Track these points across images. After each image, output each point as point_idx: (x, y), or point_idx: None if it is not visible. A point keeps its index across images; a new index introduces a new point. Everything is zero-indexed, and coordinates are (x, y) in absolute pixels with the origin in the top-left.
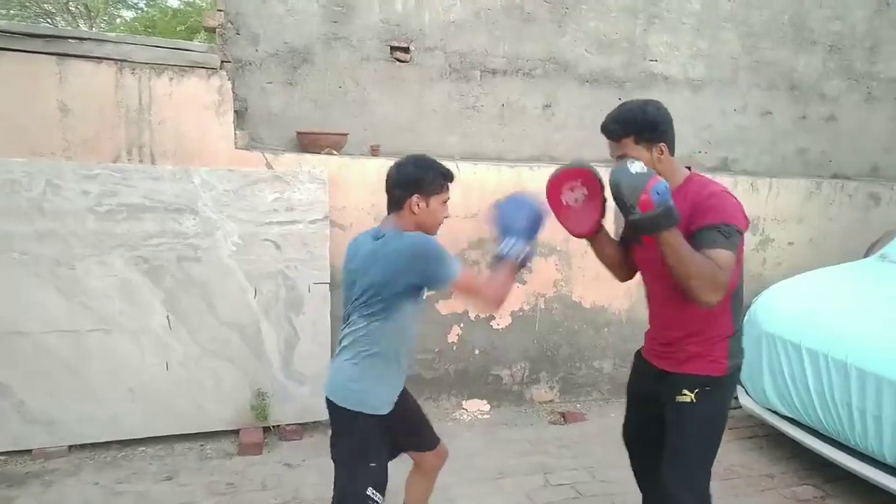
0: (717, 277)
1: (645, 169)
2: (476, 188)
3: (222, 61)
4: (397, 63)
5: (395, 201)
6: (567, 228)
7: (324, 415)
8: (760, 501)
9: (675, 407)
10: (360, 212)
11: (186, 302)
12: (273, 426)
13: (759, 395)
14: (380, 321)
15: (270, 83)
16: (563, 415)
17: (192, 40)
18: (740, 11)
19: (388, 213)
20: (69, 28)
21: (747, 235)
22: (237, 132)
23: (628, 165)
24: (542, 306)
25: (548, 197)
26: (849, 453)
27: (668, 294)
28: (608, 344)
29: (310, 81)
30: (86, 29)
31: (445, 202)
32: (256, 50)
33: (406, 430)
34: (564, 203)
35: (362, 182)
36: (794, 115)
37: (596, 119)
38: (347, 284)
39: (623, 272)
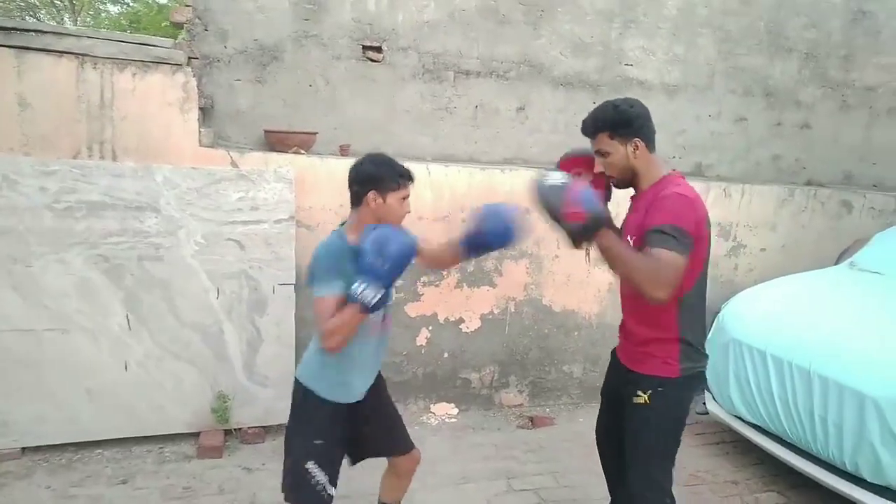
0: (660, 274)
1: (561, 181)
2: (447, 190)
3: (189, 57)
4: (369, 62)
5: (355, 197)
6: None
7: (286, 417)
8: None
9: (632, 408)
10: (327, 212)
11: (147, 302)
12: (234, 429)
13: (726, 402)
14: None
15: (239, 81)
16: (531, 419)
17: (176, 37)
18: (717, 17)
19: (351, 209)
20: (28, 21)
21: (719, 240)
22: (202, 130)
23: (543, 181)
24: (513, 310)
25: None
26: (811, 461)
27: (632, 291)
28: (578, 348)
29: (279, 80)
30: (70, 24)
31: (405, 199)
32: (225, 47)
33: (381, 433)
34: None
35: (330, 182)
36: (769, 121)
37: (570, 122)
38: None
39: None
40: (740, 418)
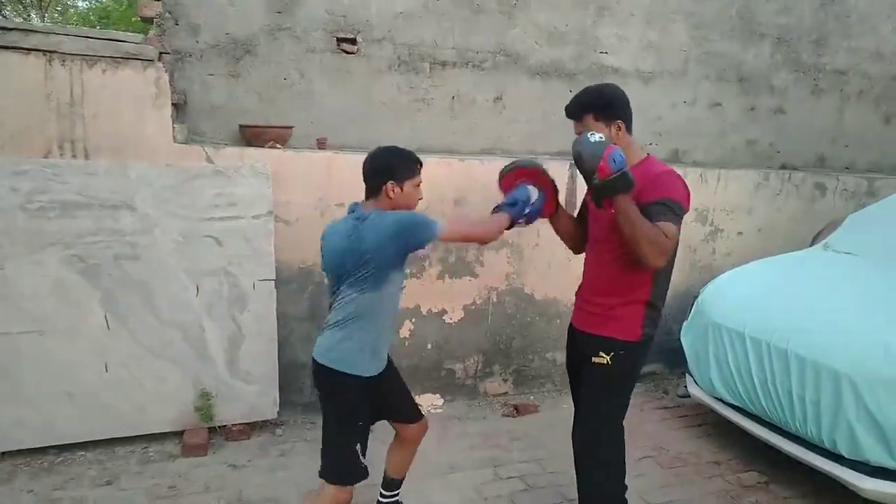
0: (663, 243)
1: (603, 138)
2: (426, 181)
3: (161, 52)
4: (344, 55)
5: (373, 189)
6: None
7: (271, 413)
8: (707, 488)
9: (590, 367)
10: (305, 206)
11: (125, 301)
12: (219, 426)
13: (707, 384)
14: (370, 291)
15: (212, 75)
16: (515, 407)
17: (146, 32)
18: (689, 4)
19: (367, 199)
20: None
21: (697, 225)
22: (176, 126)
23: (588, 136)
24: (495, 299)
25: (503, 192)
26: (790, 439)
27: (605, 258)
28: (560, 335)
29: (253, 73)
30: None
31: (418, 185)
32: (197, 41)
33: (392, 400)
34: None
35: (308, 176)
36: (743, 106)
37: (547, 111)
38: (329, 264)
39: (576, 243)
40: (721, 400)
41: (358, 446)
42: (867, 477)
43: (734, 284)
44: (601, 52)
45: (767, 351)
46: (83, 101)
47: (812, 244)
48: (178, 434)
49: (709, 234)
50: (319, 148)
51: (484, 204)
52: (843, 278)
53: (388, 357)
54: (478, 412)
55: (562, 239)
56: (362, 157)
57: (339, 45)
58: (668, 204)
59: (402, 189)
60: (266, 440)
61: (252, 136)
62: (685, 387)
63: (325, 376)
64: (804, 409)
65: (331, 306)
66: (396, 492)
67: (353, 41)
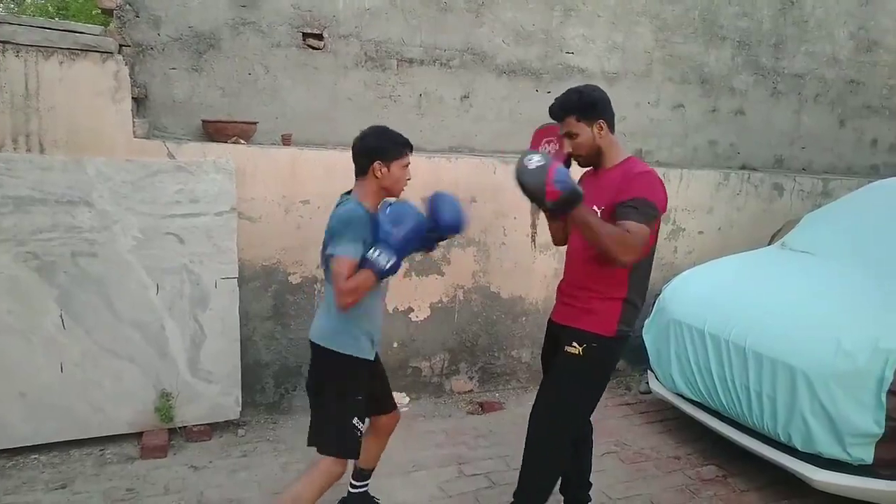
0: (627, 240)
1: (542, 161)
2: None
3: (121, 45)
4: (310, 50)
5: (361, 168)
6: None
7: (233, 413)
8: (667, 482)
9: (562, 356)
10: (270, 203)
11: (82, 299)
12: (179, 427)
13: (668, 381)
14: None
15: (174, 69)
16: (481, 405)
17: (106, 24)
18: (654, 6)
19: (356, 179)
20: None
21: (661, 224)
22: (136, 120)
23: (525, 162)
24: (461, 297)
25: (532, 146)
26: (747, 433)
27: (582, 255)
28: (526, 333)
29: (217, 68)
30: None
31: (406, 166)
32: (158, 34)
33: (380, 391)
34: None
35: (273, 172)
36: (705, 108)
37: (514, 110)
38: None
39: (560, 235)
40: (682, 396)
41: (356, 419)
42: (819, 469)
43: (694, 282)
44: (567, 53)
45: (726, 347)
46: (39, 93)
47: (770, 243)
48: (137, 436)
49: (670, 233)
50: (284, 144)
51: None
52: (799, 276)
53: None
54: (443, 410)
55: (549, 226)
56: (328, 154)
57: (304, 40)
58: (637, 204)
59: (388, 169)
60: (228, 441)
61: (215, 132)
62: (647, 383)
63: (328, 358)
64: (761, 404)
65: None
66: (366, 482)
67: (319, 37)
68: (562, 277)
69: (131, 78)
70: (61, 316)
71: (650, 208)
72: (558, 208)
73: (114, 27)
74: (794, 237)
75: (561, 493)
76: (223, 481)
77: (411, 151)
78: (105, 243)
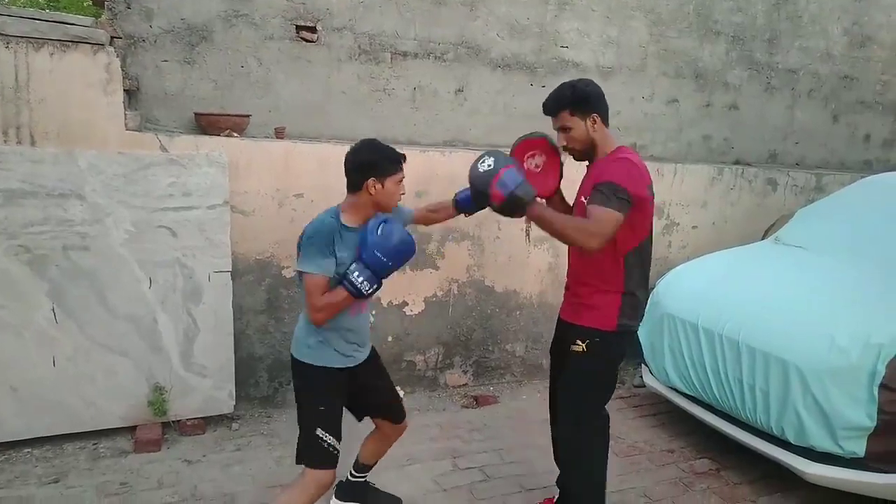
0: (587, 227)
1: (492, 165)
2: None
3: (112, 37)
4: (304, 43)
5: (353, 184)
6: None
7: (227, 407)
8: (661, 475)
9: (570, 355)
10: (263, 197)
11: (74, 293)
12: (173, 421)
13: (661, 375)
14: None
15: (166, 61)
16: (475, 398)
17: (98, 16)
18: (648, 0)
19: (348, 192)
20: None
21: (654, 220)
22: (128, 113)
23: (478, 165)
24: (456, 291)
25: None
26: (741, 427)
27: (578, 250)
28: (520, 327)
29: (209, 60)
30: None
31: (400, 181)
32: (150, 26)
33: (379, 400)
34: (527, 169)
35: (266, 166)
36: (699, 102)
37: (508, 104)
38: None
39: None
40: (675, 389)
41: (320, 430)
42: (812, 462)
43: (688, 277)
44: (562, 47)
45: (720, 341)
46: (29, 85)
47: (763, 238)
48: (131, 430)
49: (665, 228)
50: (278, 137)
51: (445, 196)
52: (792, 271)
53: (374, 354)
54: (438, 404)
55: None
56: (322, 147)
57: (298, 32)
58: (604, 189)
59: (383, 186)
60: (222, 435)
61: (208, 125)
62: (641, 377)
63: (294, 367)
64: (754, 397)
65: None
66: (366, 474)
67: (312, 29)
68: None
69: (123, 70)
70: (53, 310)
71: (619, 192)
72: (504, 210)
73: (105, 19)
74: (787, 232)
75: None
76: (217, 475)
77: (405, 163)
78: (97, 237)
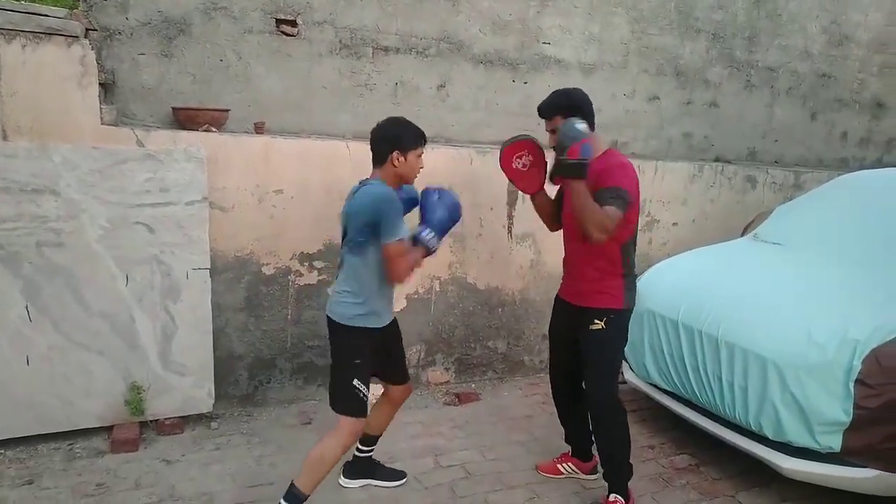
0: (605, 223)
1: (588, 131)
2: (368, 169)
3: (87, 29)
4: (284, 37)
5: (379, 156)
6: (519, 188)
7: (206, 406)
8: (641, 471)
9: (589, 334)
10: (242, 192)
11: (49, 291)
12: (150, 421)
13: (642, 371)
14: (357, 257)
15: (143, 55)
16: (457, 395)
17: (72, 7)
18: None
19: (374, 167)
20: None
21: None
22: (104, 107)
23: (576, 123)
24: (438, 288)
25: (501, 165)
26: (720, 423)
27: (577, 233)
28: (502, 324)
29: (187, 54)
30: None
31: (420, 156)
32: (126, 18)
33: (394, 362)
34: (515, 168)
35: (245, 161)
36: (680, 100)
37: (490, 100)
38: (342, 226)
39: (552, 221)
40: (655, 386)
41: (356, 381)
42: (789, 457)
43: (668, 273)
44: (544, 43)
45: (699, 338)
46: (0, 78)
47: (743, 235)
48: (107, 429)
49: (645, 225)
50: (257, 132)
51: None
52: (771, 268)
53: (394, 321)
54: (420, 401)
55: (539, 216)
56: (302, 143)
57: (278, 26)
58: (617, 194)
59: (405, 159)
60: (200, 434)
61: (186, 119)
62: (621, 373)
63: (333, 328)
64: (733, 393)
65: (339, 266)
66: (373, 447)
67: (293, 23)
68: (563, 257)
69: (98, 63)
70: (27, 308)
71: (624, 194)
72: (567, 168)
73: (80, 10)
74: (766, 229)
75: (567, 442)
76: (196, 475)
77: (426, 143)
78: (72, 233)
